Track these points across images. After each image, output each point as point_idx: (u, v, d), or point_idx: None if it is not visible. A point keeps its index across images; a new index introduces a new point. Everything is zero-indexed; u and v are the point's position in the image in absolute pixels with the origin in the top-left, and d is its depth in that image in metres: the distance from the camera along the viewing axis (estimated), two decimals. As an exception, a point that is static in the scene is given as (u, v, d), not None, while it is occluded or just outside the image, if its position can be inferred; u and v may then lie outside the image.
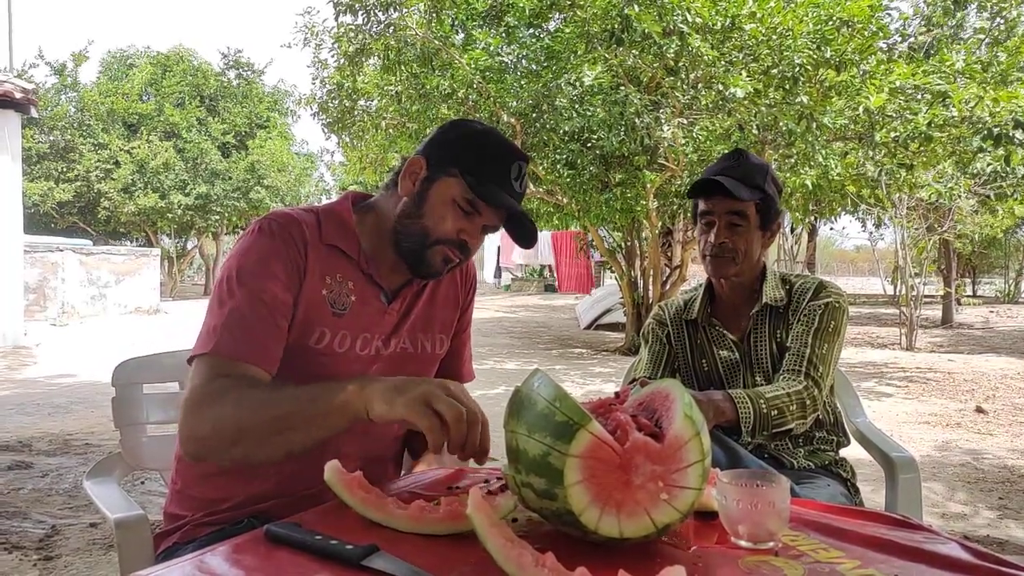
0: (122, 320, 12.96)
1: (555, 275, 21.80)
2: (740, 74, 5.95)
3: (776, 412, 1.38)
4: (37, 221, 18.77)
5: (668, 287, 8.76)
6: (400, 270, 1.24)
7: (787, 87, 6.02)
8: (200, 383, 1.05)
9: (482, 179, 1.16)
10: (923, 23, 8.22)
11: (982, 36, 7.36)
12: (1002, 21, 7.11)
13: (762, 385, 1.55)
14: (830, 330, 1.52)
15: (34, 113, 8.87)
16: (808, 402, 1.43)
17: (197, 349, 1.08)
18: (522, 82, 7.42)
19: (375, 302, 1.22)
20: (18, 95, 8.25)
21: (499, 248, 24.01)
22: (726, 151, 1.66)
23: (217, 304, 1.11)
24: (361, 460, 1.13)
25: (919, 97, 5.94)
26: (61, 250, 12.87)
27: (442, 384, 0.94)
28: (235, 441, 1.01)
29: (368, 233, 1.23)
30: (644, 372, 1.67)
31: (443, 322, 1.33)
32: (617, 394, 0.97)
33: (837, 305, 1.54)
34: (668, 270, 9.23)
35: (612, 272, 9.84)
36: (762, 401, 1.38)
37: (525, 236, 1.23)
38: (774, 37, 5.94)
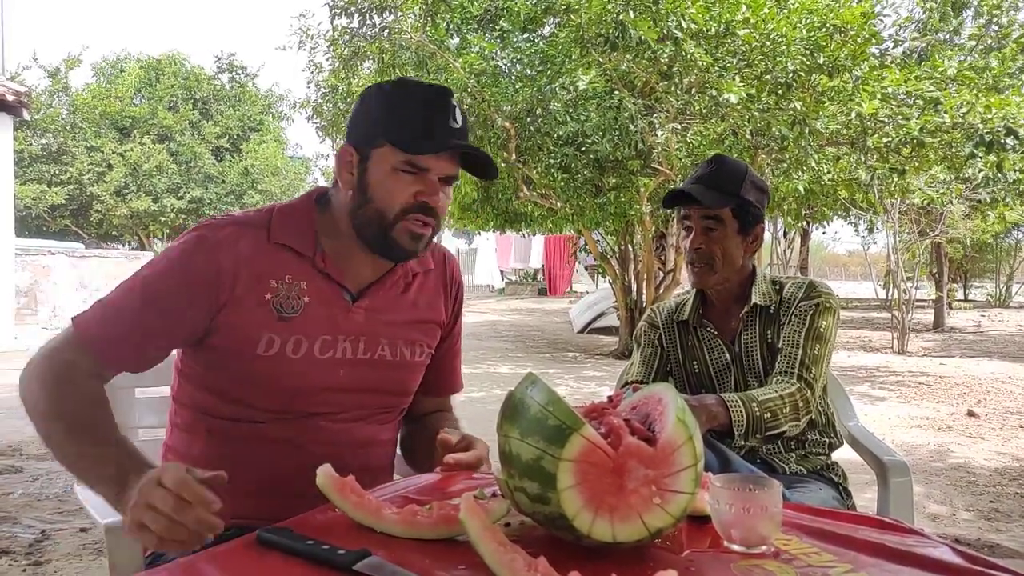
0: (114, 323, 12.88)
1: (547, 279, 21.86)
2: (734, 79, 5.98)
3: (769, 415, 1.38)
4: (29, 224, 18.67)
5: (661, 291, 8.77)
6: (367, 268, 1.19)
7: (780, 92, 6.06)
8: (52, 348, 1.08)
9: (412, 134, 1.09)
10: (918, 28, 8.28)
11: (974, 42, 7.42)
12: (996, 28, 7.16)
13: (754, 386, 1.55)
14: (821, 331, 1.52)
15: (26, 116, 8.83)
16: (801, 404, 1.44)
17: (76, 314, 1.10)
18: (517, 86, 7.44)
19: (336, 301, 1.16)
20: (10, 98, 8.21)
21: (495, 252, 24.01)
22: (719, 156, 1.66)
23: (118, 286, 1.12)
24: (349, 472, 1.11)
25: (911, 103, 5.98)
26: (53, 253, 12.80)
27: (151, 480, 0.86)
28: (37, 428, 1.08)
29: (329, 231, 1.17)
30: (636, 375, 1.67)
31: (426, 329, 1.26)
32: (610, 398, 0.97)
33: (828, 306, 1.54)
34: (661, 274, 9.25)
35: (603, 276, 9.86)
36: (755, 404, 1.38)
37: (484, 170, 1.17)
38: (767, 43, 5.97)
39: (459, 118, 1.13)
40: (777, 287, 1.61)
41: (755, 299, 1.57)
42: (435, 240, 1.24)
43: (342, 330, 1.16)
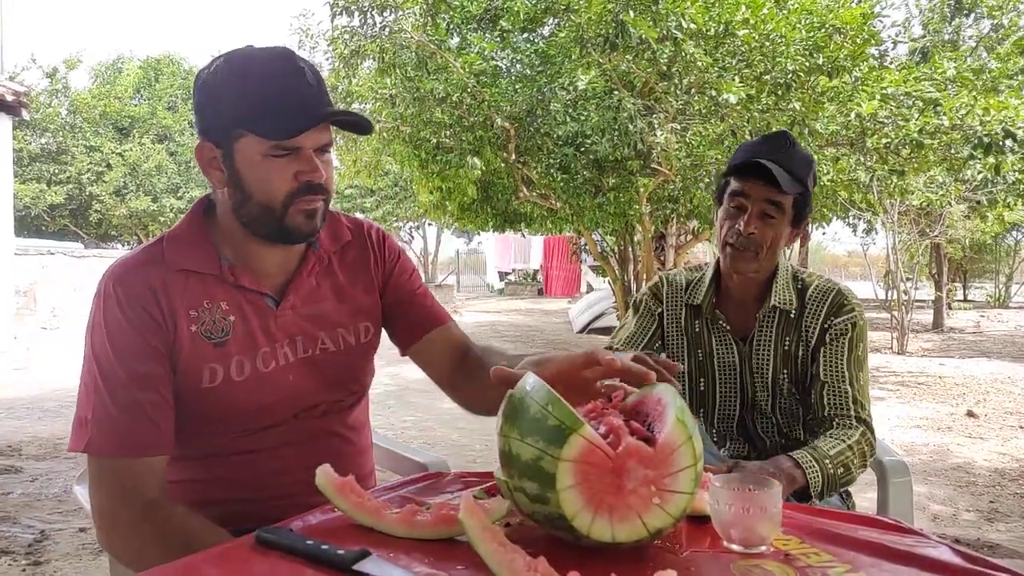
0: (113, 323, 12.87)
1: (544, 279, 21.89)
2: (733, 80, 5.98)
3: (843, 469, 1.33)
4: (28, 224, 18.67)
5: (661, 291, 8.77)
6: (278, 264, 1.13)
7: (780, 93, 6.06)
8: (107, 493, 1.00)
9: (270, 117, 0.99)
10: (921, 27, 8.28)
11: (975, 43, 7.42)
12: (998, 29, 7.15)
13: (760, 392, 1.50)
14: (860, 355, 1.46)
15: (26, 116, 8.83)
16: (868, 450, 1.39)
17: (75, 442, 1.01)
18: (516, 86, 7.44)
19: (261, 311, 1.10)
20: (9, 98, 8.21)
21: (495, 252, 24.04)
22: (719, 156, 1.63)
23: (84, 390, 1.03)
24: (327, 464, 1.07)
25: (910, 104, 5.98)
26: (52, 253, 12.80)
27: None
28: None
29: (225, 238, 1.10)
30: (626, 342, 1.56)
31: (361, 309, 1.20)
32: (610, 398, 0.97)
33: (862, 323, 1.47)
34: (661, 274, 9.26)
35: (601, 276, 9.86)
36: (827, 461, 1.32)
37: (353, 126, 1.07)
38: (767, 44, 5.97)
39: (311, 77, 1.02)
40: (800, 285, 1.51)
41: (774, 301, 1.48)
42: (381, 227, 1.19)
43: (277, 338, 1.11)
